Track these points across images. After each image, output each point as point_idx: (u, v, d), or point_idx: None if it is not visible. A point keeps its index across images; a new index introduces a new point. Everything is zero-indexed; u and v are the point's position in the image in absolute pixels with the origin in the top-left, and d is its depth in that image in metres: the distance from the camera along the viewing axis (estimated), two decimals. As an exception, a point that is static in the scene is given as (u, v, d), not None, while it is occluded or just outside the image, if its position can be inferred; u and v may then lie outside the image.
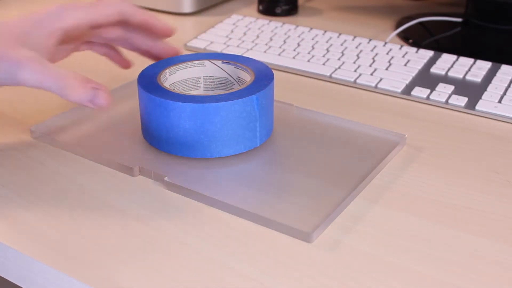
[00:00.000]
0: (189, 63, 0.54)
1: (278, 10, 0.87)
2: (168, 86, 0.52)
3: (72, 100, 0.45)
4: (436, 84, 0.64)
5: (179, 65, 0.54)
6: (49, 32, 0.48)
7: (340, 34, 0.76)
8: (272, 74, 0.51)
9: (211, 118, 0.47)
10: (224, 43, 0.75)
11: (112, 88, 0.63)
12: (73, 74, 0.45)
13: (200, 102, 0.47)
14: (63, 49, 0.53)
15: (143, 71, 0.52)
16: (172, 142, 0.49)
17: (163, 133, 0.49)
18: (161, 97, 0.48)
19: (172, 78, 0.54)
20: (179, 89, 0.55)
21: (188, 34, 0.80)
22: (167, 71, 0.53)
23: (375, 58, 0.69)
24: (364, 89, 0.65)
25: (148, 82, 0.50)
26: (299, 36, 0.75)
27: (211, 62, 0.55)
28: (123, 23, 0.53)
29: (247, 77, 0.53)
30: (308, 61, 0.69)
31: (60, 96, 0.45)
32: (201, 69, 0.55)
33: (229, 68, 0.55)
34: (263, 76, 0.51)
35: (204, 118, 0.47)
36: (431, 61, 0.69)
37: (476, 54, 0.71)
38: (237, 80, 0.55)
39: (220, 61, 0.55)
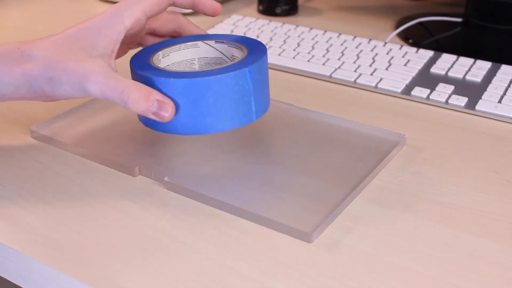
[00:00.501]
0: (182, 45, 0.54)
1: (278, 10, 0.87)
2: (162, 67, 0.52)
3: (136, 112, 0.45)
4: (436, 84, 0.64)
5: (172, 47, 0.53)
6: (115, 37, 0.48)
7: (340, 34, 0.76)
8: (265, 48, 0.51)
9: (203, 93, 0.46)
10: (224, 43, 0.75)
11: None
12: (136, 87, 0.45)
13: (192, 77, 0.46)
14: (122, 48, 0.54)
15: (135, 54, 0.52)
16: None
17: None
18: (153, 75, 0.47)
19: (165, 61, 0.53)
20: None
21: (188, 34, 0.80)
22: (160, 53, 0.52)
23: (375, 58, 0.69)
24: (364, 89, 0.65)
25: (141, 63, 0.50)
26: (299, 36, 0.75)
27: (204, 42, 0.54)
28: (173, 15, 0.54)
29: (241, 55, 0.52)
30: (308, 61, 0.69)
31: (124, 108, 0.46)
32: (195, 50, 0.55)
33: (223, 47, 0.54)
34: (256, 51, 0.51)
35: (197, 94, 0.47)
36: (431, 61, 0.69)
37: (476, 54, 0.71)
38: (231, 58, 0.54)
39: (214, 41, 0.54)
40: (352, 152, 0.51)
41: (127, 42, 0.54)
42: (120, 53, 0.54)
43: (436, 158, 0.52)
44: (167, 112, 0.45)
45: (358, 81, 0.65)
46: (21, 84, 0.46)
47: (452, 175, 0.50)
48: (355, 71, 0.67)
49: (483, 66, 0.67)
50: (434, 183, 0.48)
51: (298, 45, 0.73)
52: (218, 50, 0.54)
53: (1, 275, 0.44)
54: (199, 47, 0.54)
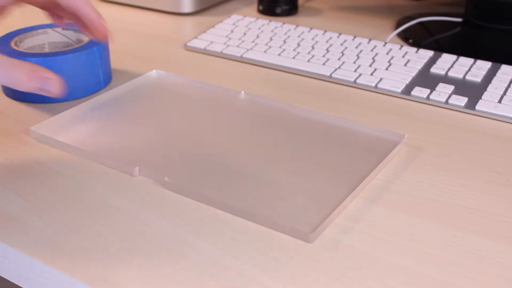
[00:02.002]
0: (34, 32, 0.65)
1: (278, 10, 0.87)
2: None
3: (22, 90, 0.45)
4: (436, 84, 0.64)
5: (26, 34, 0.64)
6: None
7: (340, 34, 0.76)
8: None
9: (63, 68, 0.58)
10: (224, 43, 0.75)
11: (112, 88, 0.63)
12: (18, 65, 0.44)
13: (54, 56, 0.58)
14: None
15: None
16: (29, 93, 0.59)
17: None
18: (11, 54, 0.58)
19: (21, 46, 0.63)
20: None
21: (188, 34, 0.80)
22: (16, 39, 0.62)
23: (375, 58, 0.69)
24: (364, 89, 0.65)
25: (2, 47, 0.60)
26: (299, 36, 0.75)
27: (53, 30, 0.66)
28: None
29: (86, 39, 0.63)
30: (308, 61, 0.69)
31: (12, 87, 0.45)
32: (45, 37, 0.66)
33: (69, 33, 0.66)
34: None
35: (58, 69, 0.58)
36: (431, 61, 0.69)
37: (476, 54, 0.71)
38: (77, 42, 0.66)
39: (61, 28, 0.65)
40: (352, 152, 0.51)
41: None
42: None
43: (436, 158, 0.52)
44: (56, 88, 0.46)
45: (358, 81, 0.65)
46: None
47: (452, 175, 0.50)
48: (355, 71, 0.67)
49: (483, 66, 0.67)
50: (434, 183, 0.48)
51: (298, 45, 0.73)
52: (65, 36, 0.66)
53: (1, 275, 0.44)
54: (48, 33, 0.66)
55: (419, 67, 0.67)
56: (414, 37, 0.78)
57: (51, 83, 0.46)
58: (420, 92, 0.62)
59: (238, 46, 0.74)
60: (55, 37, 0.66)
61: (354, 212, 0.45)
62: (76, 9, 0.50)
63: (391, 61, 0.68)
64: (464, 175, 0.50)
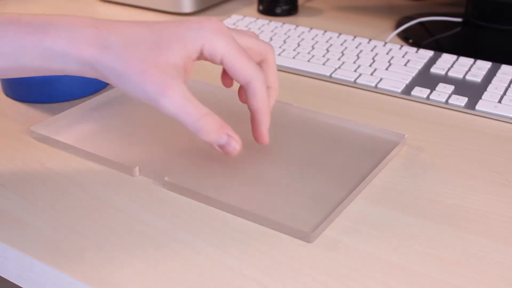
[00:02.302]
0: None
1: (278, 10, 0.87)
2: None
3: (202, 139, 0.45)
4: (436, 84, 0.64)
5: None
6: (192, 55, 0.45)
7: (340, 34, 0.76)
8: None
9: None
10: (224, 43, 0.74)
11: (112, 88, 0.63)
12: (211, 118, 0.44)
13: None
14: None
15: None
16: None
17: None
18: None
19: None
20: None
21: (188, 34, 0.80)
22: None
23: (375, 58, 0.69)
24: (364, 89, 0.65)
25: None
26: (299, 36, 0.75)
27: None
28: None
29: None
30: (308, 61, 0.69)
31: (192, 132, 0.44)
32: None
33: None
34: None
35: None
36: (431, 61, 0.69)
37: (476, 54, 0.71)
38: None
39: None
40: (352, 152, 0.51)
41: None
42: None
43: (436, 158, 0.52)
44: (235, 150, 0.45)
45: (358, 81, 0.65)
46: (87, 65, 0.44)
47: (452, 175, 0.50)
48: (355, 71, 0.67)
49: (483, 66, 0.67)
50: (434, 183, 0.48)
51: (298, 45, 0.73)
52: None
53: (1, 275, 0.44)
54: None
55: (419, 67, 0.67)
56: (414, 37, 0.78)
57: (232, 144, 0.45)
58: (420, 92, 0.62)
59: (238, 46, 0.74)
60: None
61: (354, 212, 0.45)
62: (256, 108, 0.48)
63: (391, 61, 0.68)
64: (464, 175, 0.50)
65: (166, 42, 0.44)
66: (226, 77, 0.52)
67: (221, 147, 0.45)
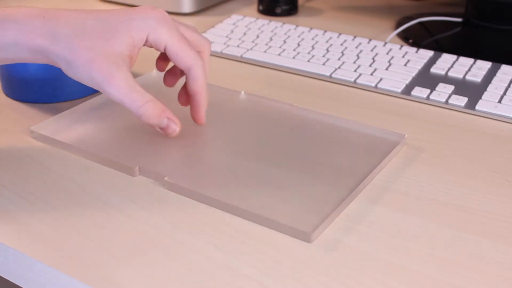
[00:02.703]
0: None
1: (278, 10, 0.87)
2: None
3: (145, 122, 0.48)
4: (436, 84, 0.64)
5: None
6: (137, 43, 0.48)
7: (340, 34, 0.76)
8: None
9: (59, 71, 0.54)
10: (224, 43, 0.75)
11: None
12: (153, 104, 0.47)
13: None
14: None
15: None
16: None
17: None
18: None
19: None
20: None
21: (188, 34, 0.80)
22: None
23: (375, 58, 0.69)
24: (364, 89, 0.65)
25: None
26: (299, 36, 0.75)
27: None
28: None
29: None
30: (308, 61, 0.69)
31: (135, 116, 0.48)
32: None
33: None
34: None
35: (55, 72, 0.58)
36: (431, 61, 0.69)
37: (476, 54, 0.71)
38: None
39: None
40: (352, 152, 0.51)
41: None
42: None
43: (436, 158, 0.52)
44: (174, 131, 0.50)
45: (358, 81, 0.65)
46: (38, 53, 0.47)
47: (452, 175, 0.50)
48: (355, 71, 0.67)
49: (483, 66, 0.67)
50: (434, 183, 0.48)
51: (298, 45, 0.73)
52: None
53: (1, 275, 0.44)
54: None
55: (419, 67, 0.67)
56: (414, 37, 0.78)
57: (172, 126, 0.49)
58: (420, 92, 0.62)
59: (238, 46, 0.74)
60: None
61: (354, 212, 0.45)
62: (196, 91, 0.51)
63: (391, 61, 0.68)
64: (464, 175, 0.50)
65: (113, 31, 0.47)
66: (161, 62, 0.55)
67: (162, 129, 0.49)
